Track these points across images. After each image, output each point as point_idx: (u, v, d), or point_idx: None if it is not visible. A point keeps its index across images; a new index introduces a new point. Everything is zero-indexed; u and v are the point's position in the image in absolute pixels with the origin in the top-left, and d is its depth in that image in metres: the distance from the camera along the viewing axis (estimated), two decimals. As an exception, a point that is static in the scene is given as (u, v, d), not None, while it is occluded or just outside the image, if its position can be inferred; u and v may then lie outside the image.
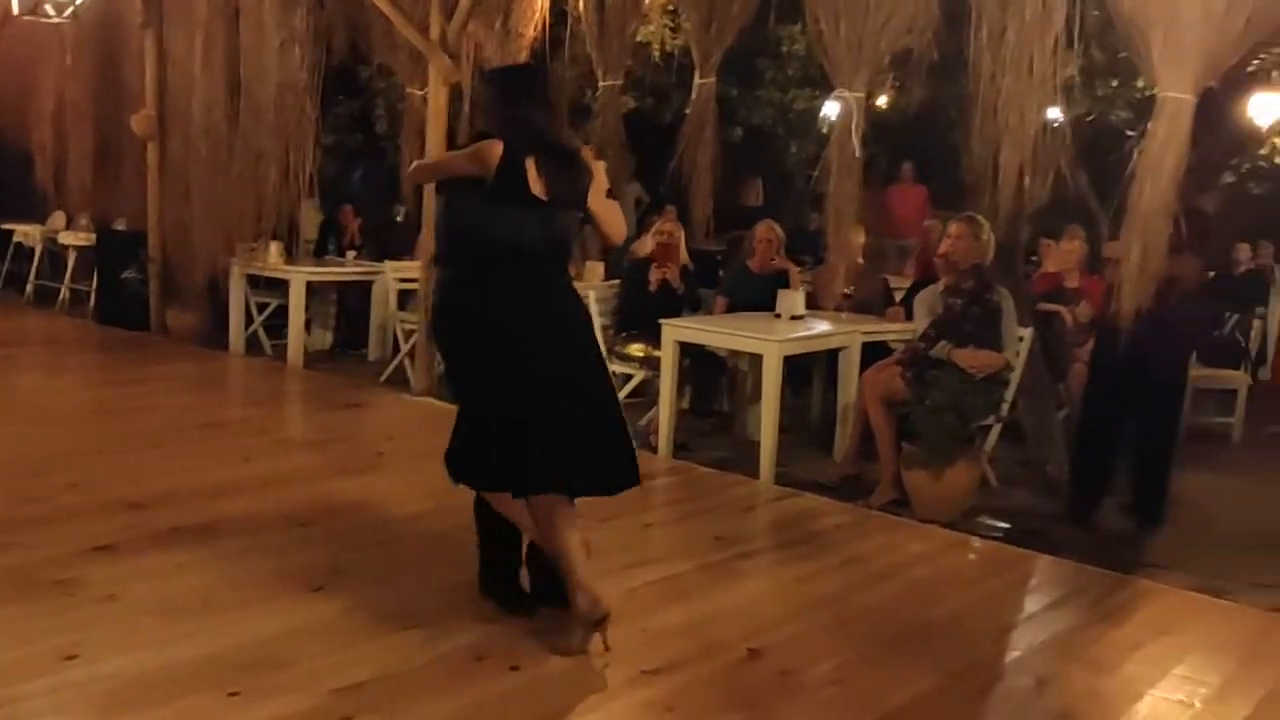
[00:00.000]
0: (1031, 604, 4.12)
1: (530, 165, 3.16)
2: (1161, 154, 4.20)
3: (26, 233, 10.28)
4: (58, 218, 10.15)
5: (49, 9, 5.94)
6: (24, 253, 10.43)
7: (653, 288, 6.09)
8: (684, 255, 6.36)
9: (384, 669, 3.10)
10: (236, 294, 8.10)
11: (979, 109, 4.60)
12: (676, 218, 9.24)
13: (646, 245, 6.30)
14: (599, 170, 3.38)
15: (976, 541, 4.77)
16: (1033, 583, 4.34)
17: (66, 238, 9.74)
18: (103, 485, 4.69)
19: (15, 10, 6.09)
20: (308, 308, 8.03)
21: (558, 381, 3.22)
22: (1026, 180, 4.76)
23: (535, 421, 3.19)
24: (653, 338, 5.91)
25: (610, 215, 3.37)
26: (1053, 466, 5.86)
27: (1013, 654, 3.58)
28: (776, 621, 3.65)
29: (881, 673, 3.31)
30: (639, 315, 6.06)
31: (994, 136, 4.58)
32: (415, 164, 3.62)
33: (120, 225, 9.38)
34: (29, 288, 10.27)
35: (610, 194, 3.43)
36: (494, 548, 3.59)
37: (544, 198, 3.18)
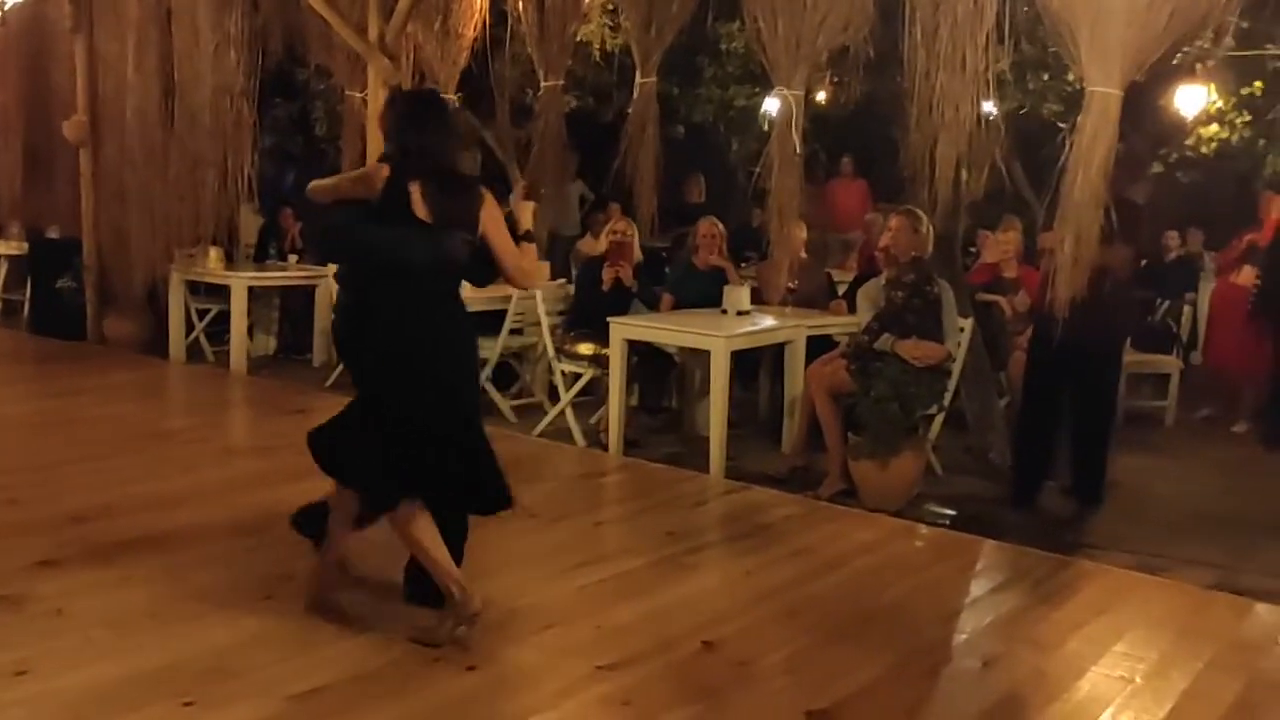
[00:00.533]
0: (977, 588, 4.22)
1: (415, 189, 3.26)
2: (1091, 147, 4.32)
3: (-44, 243, 10.03)
4: (-13, 227, 9.92)
5: (-24, 13, 5.80)
6: (-48, 264, 10.17)
7: (605, 286, 6.11)
8: (637, 253, 6.38)
9: (340, 674, 3.10)
10: (176, 301, 7.98)
11: (915, 104, 4.69)
12: (622, 215, 9.33)
13: (599, 244, 6.32)
14: (525, 210, 3.56)
15: (923, 529, 4.88)
16: (978, 567, 4.45)
17: (-3, 247, 9.52)
18: (42, 500, 4.60)
19: (-58, 15, 5.93)
20: (250, 313, 7.93)
21: (429, 396, 3.33)
22: (963, 173, 4.85)
23: (401, 431, 3.30)
24: (601, 336, 5.94)
25: (508, 251, 3.44)
26: (995, 453, 5.99)
27: (959, 637, 3.67)
28: (729, 613, 3.70)
29: (833, 659, 3.38)
30: (591, 314, 6.07)
31: (931, 131, 4.67)
32: (311, 184, 3.68)
33: (53, 233, 9.17)
34: (-42, 299, 10.02)
35: (528, 236, 3.55)
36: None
37: (427, 219, 3.27)
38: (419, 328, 3.33)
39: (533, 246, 3.59)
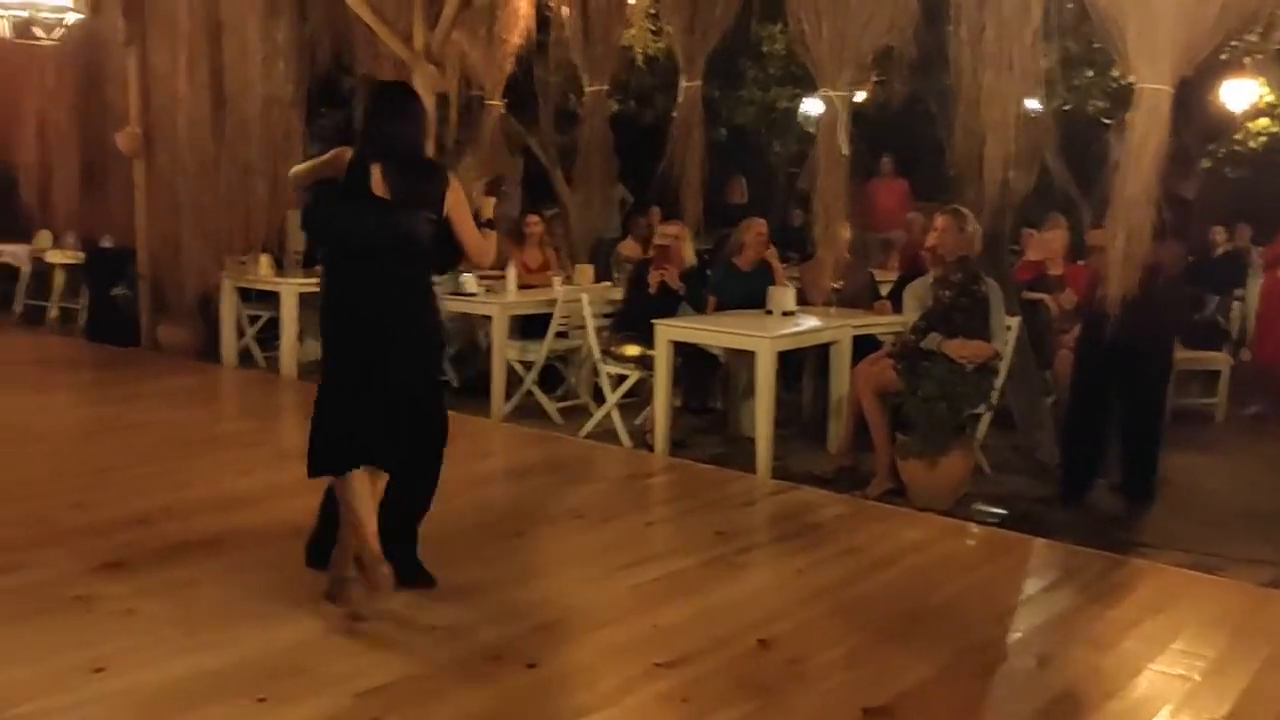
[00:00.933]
0: (1029, 586, 4.22)
1: (375, 169, 3.51)
2: (1142, 144, 4.31)
3: (12, 253, 10.26)
4: (43, 236, 10.14)
5: (38, 31, 5.95)
6: (10, 273, 10.40)
7: (652, 289, 6.14)
8: (690, 255, 6.38)
9: (404, 671, 3.17)
10: (228, 307, 8.12)
11: (961, 103, 4.69)
12: (664, 218, 9.37)
13: (640, 248, 6.37)
14: (486, 204, 3.90)
15: (973, 528, 4.88)
16: (1029, 566, 4.45)
17: (54, 256, 9.73)
18: (106, 503, 4.72)
19: (7, 34, 6.09)
20: (299, 319, 8.05)
21: (387, 367, 3.56)
22: (1010, 171, 4.85)
23: (357, 401, 3.56)
24: (647, 338, 5.98)
25: (469, 231, 3.72)
26: (1043, 452, 5.96)
27: (1013, 635, 3.68)
28: (782, 612, 3.73)
29: (888, 657, 3.40)
30: (638, 316, 6.11)
31: (977, 130, 4.66)
32: (292, 169, 3.92)
33: (108, 242, 9.37)
34: (17, 307, 10.25)
35: (489, 224, 3.87)
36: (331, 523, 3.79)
37: (386, 197, 3.52)
38: (379, 302, 3.56)
39: (492, 233, 3.91)
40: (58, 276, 9.83)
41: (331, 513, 3.74)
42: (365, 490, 3.56)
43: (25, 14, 5.82)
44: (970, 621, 3.74)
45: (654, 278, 6.09)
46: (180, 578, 3.86)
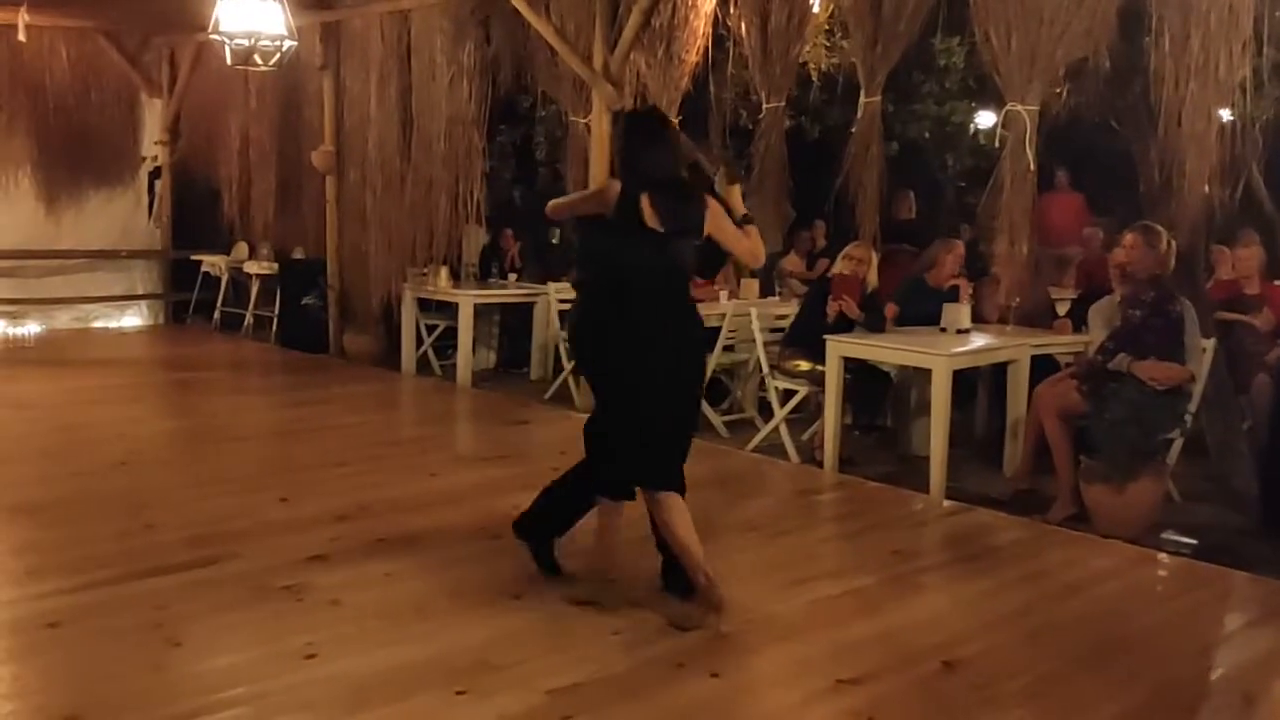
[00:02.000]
0: (1231, 621, 4.02)
1: (645, 201, 3.54)
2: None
3: (213, 263, 11.03)
4: (240, 248, 10.85)
5: (257, 59, 6.41)
6: (211, 281, 11.18)
7: (829, 319, 6.05)
8: (874, 278, 6.26)
9: (593, 673, 3.27)
10: (408, 317, 8.51)
11: (1162, 115, 4.52)
12: (828, 233, 9.30)
13: (837, 266, 6.27)
14: (734, 194, 3.86)
15: (1164, 557, 4.67)
16: (1230, 599, 4.24)
17: (250, 267, 10.40)
18: (307, 499, 5.02)
19: (229, 61, 6.57)
20: (474, 328, 8.36)
21: (669, 388, 3.63)
22: (1209, 187, 4.64)
23: (650, 424, 3.62)
24: (818, 353, 5.95)
25: (736, 241, 3.73)
26: (1239, 480, 5.65)
27: (1216, 671, 3.52)
28: (966, 634, 3.67)
29: (1079, 687, 3.30)
30: (811, 331, 6.08)
31: (1177, 143, 4.49)
32: (551, 203, 4.02)
33: (299, 254, 9.97)
34: (216, 314, 11.00)
35: (746, 219, 3.82)
36: (566, 509, 3.98)
37: (659, 228, 3.55)
38: (656, 328, 3.61)
39: (753, 227, 3.83)
40: (254, 286, 10.49)
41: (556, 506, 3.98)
42: (683, 507, 3.65)
43: (247, 42, 6.26)
44: (1168, 655, 3.59)
45: (832, 308, 5.99)
46: (381, 572, 4.08)
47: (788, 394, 6.34)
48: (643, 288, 3.60)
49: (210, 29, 6.43)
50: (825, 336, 5.86)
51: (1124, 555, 4.64)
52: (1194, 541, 4.98)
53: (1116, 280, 5.49)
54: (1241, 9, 4.29)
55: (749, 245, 3.78)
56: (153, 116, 10.97)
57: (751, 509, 5.21)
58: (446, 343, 8.58)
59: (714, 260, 3.81)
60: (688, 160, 3.87)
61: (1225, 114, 4.71)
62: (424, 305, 8.61)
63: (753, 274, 7.39)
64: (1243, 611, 4.10)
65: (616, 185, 3.61)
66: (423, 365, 8.66)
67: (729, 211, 3.76)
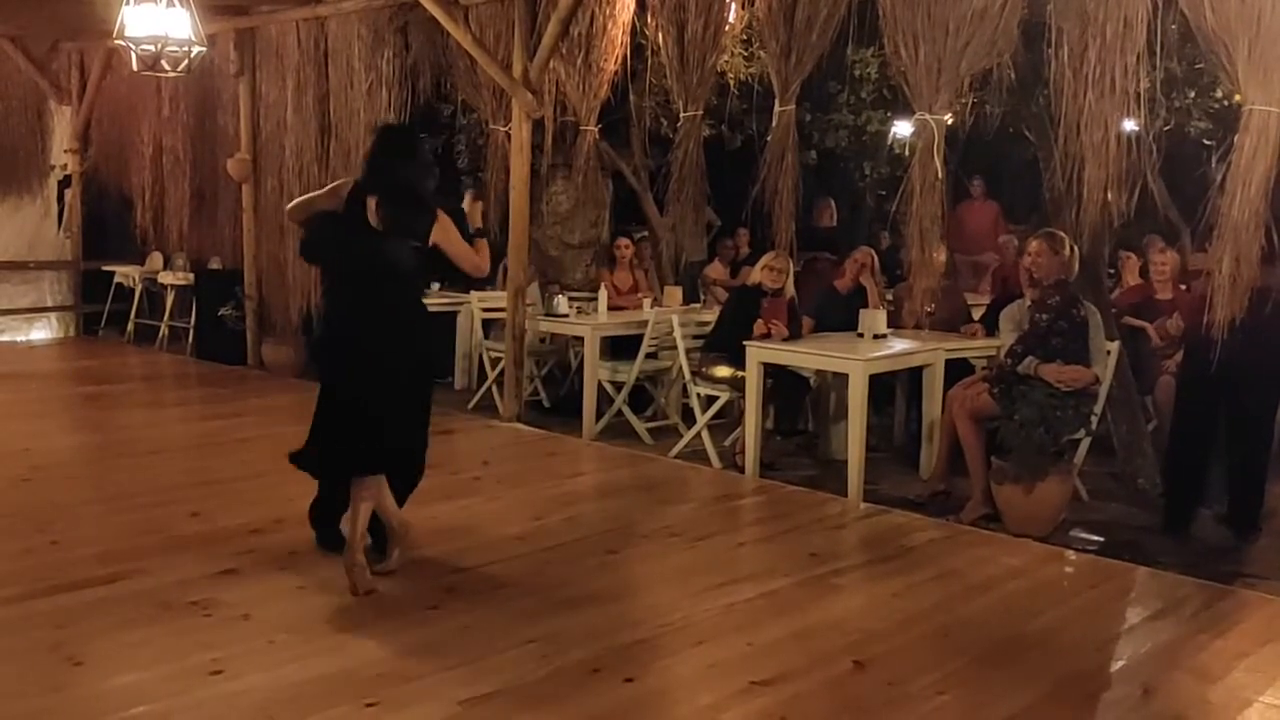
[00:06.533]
0: (1132, 615, 4.13)
1: (371, 201, 3.86)
2: (1250, 165, 4.23)
3: (126, 274, 10.74)
4: (155, 258, 10.57)
5: (165, 64, 6.26)
6: (124, 293, 10.89)
7: (756, 333, 6.10)
8: (790, 289, 6.33)
9: (506, 682, 3.25)
10: (328, 327, 8.36)
11: (1062, 125, 4.66)
12: (751, 241, 9.39)
13: (755, 275, 6.36)
14: (475, 209, 4.31)
15: (1072, 554, 4.80)
16: (1131, 594, 4.36)
17: (165, 277, 10.14)
18: (220, 513, 4.93)
19: (135, 67, 6.42)
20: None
21: (375, 381, 3.93)
22: (1110, 194, 4.79)
23: (355, 413, 3.96)
24: (738, 359, 6.01)
25: (462, 255, 4.10)
26: (1144, 479, 5.83)
27: (1117, 664, 3.62)
28: (879, 634, 3.73)
29: (988, 683, 3.38)
30: (730, 337, 6.14)
31: (1077, 152, 4.63)
32: (289, 205, 4.31)
33: (216, 264, 9.77)
34: (129, 326, 10.71)
35: (479, 232, 4.26)
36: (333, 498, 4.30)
37: (377, 227, 3.86)
38: (369, 321, 3.91)
39: (483, 242, 4.27)
40: (169, 297, 10.24)
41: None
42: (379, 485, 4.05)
43: (153, 48, 6.11)
44: (1072, 649, 3.69)
45: (759, 328, 6.05)
46: (291, 585, 4.02)
47: (710, 400, 6.39)
48: (358, 282, 3.93)
49: (115, 34, 6.27)
50: (745, 343, 5.93)
51: (1033, 553, 4.76)
52: (1100, 539, 5.14)
53: (1026, 286, 5.64)
54: (1136, 21, 4.44)
55: (472, 259, 4.14)
56: (62, 124, 10.68)
57: (672, 515, 5.23)
58: (368, 353, 8.46)
59: (448, 269, 4.21)
60: (431, 177, 4.22)
61: (1130, 124, 4.87)
62: (344, 315, 8.48)
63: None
64: (1144, 605, 4.22)
65: (349, 183, 3.94)
66: (344, 376, 8.52)
67: (465, 224, 4.17)
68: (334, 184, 4.05)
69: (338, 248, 3.95)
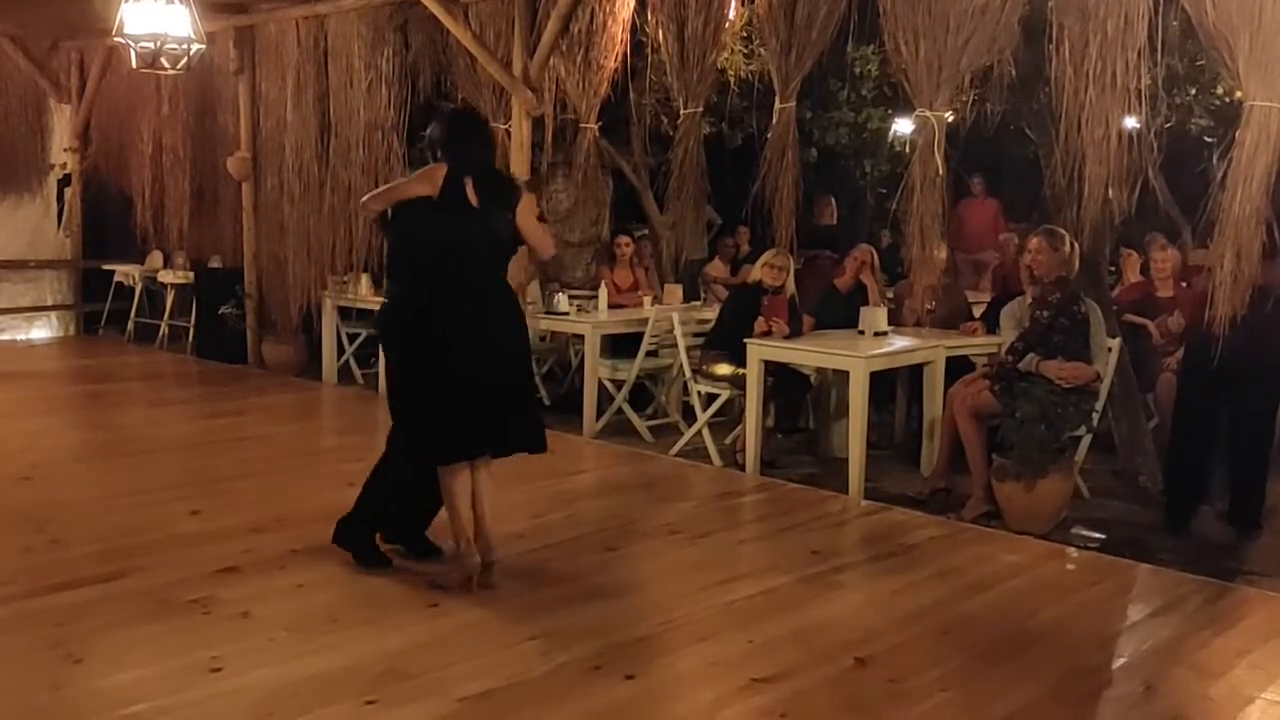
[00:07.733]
0: (1133, 612, 4.13)
1: (468, 182, 3.98)
2: (1251, 161, 4.22)
3: (126, 273, 10.73)
4: (155, 257, 10.56)
5: (164, 62, 6.25)
6: (124, 292, 10.88)
7: (757, 331, 6.10)
8: (791, 287, 6.32)
9: (507, 679, 3.25)
10: (329, 326, 8.38)
11: (1063, 122, 4.65)
12: (752, 239, 9.39)
13: (755, 272, 6.35)
14: (531, 199, 4.28)
15: (1073, 552, 4.79)
16: (1133, 591, 4.35)
17: (165, 276, 10.12)
18: (221, 511, 4.92)
19: (134, 65, 6.41)
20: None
21: (485, 359, 3.95)
22: (1111, 191, 4.78)
23: (467, 395, 3.94)
24: (739, 357, 6.00)
25: (534, 230, 4.17)
26: (1145, 477, 5.83)
27: (1119, 660, 3.61)
28: (880, 631, 3.72)
29: (989, 679, 3.37)
30: (731, 335, 6.13)
31: (1077, 149, 4.62)
32: (367, 196, 4.28)
33: (216, 263, 9.75)
34: (129, 325, 10.70)
35: (540, 218, 4.33)
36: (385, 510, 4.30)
37: (477, 205, 3.99)
38: (480, 297, 3.98)
39: (544, 225, 4.39)
40: (169, 296, 10.23)
41: (384, 498, 4.25)
42: (466, 477, 4.02)
43: (153, 46, 6.10)
44: (1073, 646, 3.68)
45: (760, 326, 6.05)
46: (291, 584, 4.01)
47: (710, 398, 6.38)
48: (462, 260, 3.97)
49: (115, 31, 6.26)
50: (745, 340, 5.93)
51: (1034, 550, 4.75)
52: (1101, 536, 5.13)
53: (1026, 283, 5.63)
54: (1137, 17, 4.44)
55: (546, 238, 4.30)
56: (61, 123, 10.66)
57: (672, 512, 5.22)
58: (368, 351, 8.46)
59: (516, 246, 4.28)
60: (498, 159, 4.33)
61: (1130, 121, 4.86)
62: (345, 313, 8.49)
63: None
64: (1146, 603, 4.22)
65: (443, 168, 3.97)
66: (344, 374, 8.54)
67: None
68: (420, 171, 4.08)
69: (451, 227, 3.98)
